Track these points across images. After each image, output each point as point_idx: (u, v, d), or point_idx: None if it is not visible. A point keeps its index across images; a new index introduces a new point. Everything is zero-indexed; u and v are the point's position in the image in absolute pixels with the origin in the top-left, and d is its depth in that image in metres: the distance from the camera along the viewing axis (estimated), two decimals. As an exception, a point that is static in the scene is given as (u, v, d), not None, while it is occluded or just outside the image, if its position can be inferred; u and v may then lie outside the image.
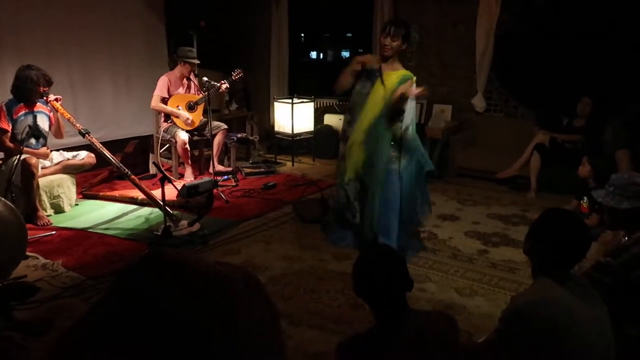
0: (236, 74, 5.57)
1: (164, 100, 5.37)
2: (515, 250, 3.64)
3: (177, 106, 5.38)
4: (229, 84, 5.49)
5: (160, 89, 5.33)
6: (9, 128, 4.11)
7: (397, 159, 3.56)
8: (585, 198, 4.16)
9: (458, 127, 6.02)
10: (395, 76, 3.52)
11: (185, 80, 5.48)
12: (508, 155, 5.29)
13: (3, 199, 3.14)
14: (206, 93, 5.06)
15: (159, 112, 5.47)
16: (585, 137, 4.97)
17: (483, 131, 5.93)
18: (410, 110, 3.59)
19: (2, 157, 4.25)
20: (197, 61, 5.46)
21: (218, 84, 5.30)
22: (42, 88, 4.21)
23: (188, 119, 5.34)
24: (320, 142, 6.59)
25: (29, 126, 4.07)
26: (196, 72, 5.72)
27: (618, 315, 1.81)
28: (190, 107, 5.42)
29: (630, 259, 1.98)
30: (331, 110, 6.95)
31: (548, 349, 1.61)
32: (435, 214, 4.48)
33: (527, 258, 1.89)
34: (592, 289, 1.74)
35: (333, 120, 6.77)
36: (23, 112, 4.20)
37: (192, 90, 5.53)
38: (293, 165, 6.29)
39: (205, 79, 5.12)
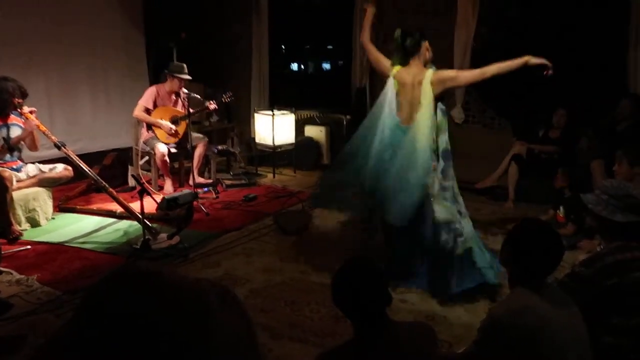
0: (227, 96, 5.54)
1: (148, 112, 5.32)
2: (494, 260, 3.67)
3: (161, 118, 5.34)
4: (217, 105, 5.46)
5: (146, 99, 5.29)
6: None
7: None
8: (561, 208, 4.24)
9: (437, 138, 6.09)
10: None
11: (174, 96, 5.43)
12: (486, 166, 5.37)
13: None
14: (185, 102, 5.01)
15: (140, 121, 5.42)
16: (560, 148, 5.07)
17: (461, 142, 5.95)
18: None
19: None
20: (187, 77, 5.34)
21: (206, 104, 5.28)
22: (16, 100, 4.16)
23: (171, 128, 5.29)
24: (301, 153, 6.60)
25: (4, 139, 4.00)
26: (188, 93, 5.64)
27: (594, 324, 1.84)
28: (174, 122, 5.36)
29: (604, 267, 2.01)
30: (312, 121, 6.97)
31: (525, 358, 1.62)
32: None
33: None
34: (567, 297, 1.77)
35: (314, 131, 6.80)
36: (-4, 124, 4.14)
37: (179, 107, 5.46)
38: (274, 177, 6.29)
39: (184, 90, 5.10)
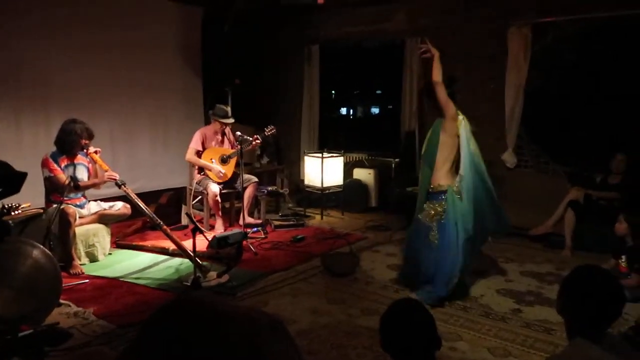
0: (269, 130, 5.72)
1: (199, 153, 5.55)
2: (551, 310, 3.51)
3: (211, 159, 5.55)
4: (261, 139, 5.64)
5: (196, 142, 5.53)
6: (63, 173, 4.32)
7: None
8: (623, 257, 4.03)
9: (488, 183, 5.98)
10: None
11: (219, 135, 5.67)
12: (540, 212, 5.21)
13: (42, 246, 3.25)
14: (239, 147, 5.20)
15: (192, 164, 5.64)
16: (620, 194, 4.86)
17: (514, 187, 5.86)
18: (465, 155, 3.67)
19: (44, 206, 4.42)
20: (229, 121, 5.63)
21: (251, 139, 5.45)
22: (84, 141, 4.43)
23: (220, 172, 5.49)
24: (349, 195, 6.62)
25: (71, 177, 4.24)
26: (230, 127, 5.92)
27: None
28: (223, 160, 5.58)
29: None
30: (360, 164, 7.03)
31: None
32: (466, 270, 4.40)
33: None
34: (632, 350, 1.67)
35: (362, 174, 6.83)
36: (65, 163, 4.41)
37: (226, 145, 5.70)
38: (322, 218, 6.32)
39: (238, 133, 5.28)
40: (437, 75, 3.62)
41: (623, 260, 4.02)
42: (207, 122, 6.19)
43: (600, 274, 1.71)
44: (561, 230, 4.95)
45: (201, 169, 5.60)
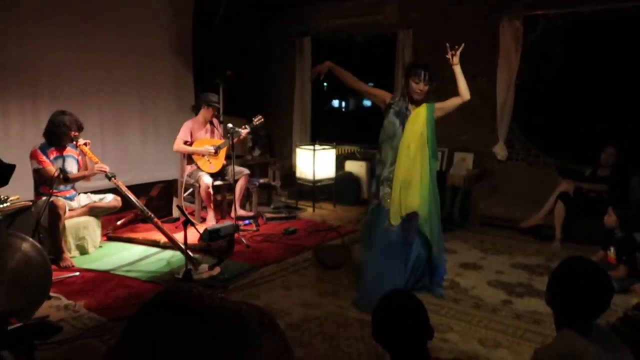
0: (257, 120, 5.70)
1: (187, 145, 5.50)
2: (540, 301, 3.54)
3: (200, 150, 5.52)
4: (250, 129, 5.61)
5: (184, 133, 5.48)
6: (52, 165, 4.27)
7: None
8: (612, 248, 4.07)
9: (480, 175, 6.01)
10: (423, 109, 3.63)
11: (208, 126, 5.63)
12: (531, 204, 5.24)
13: (31, 239, 3.21)
14: (230, 137, 5.16)
15: (182, 154, 5.59)
16: (610, 187, 4.90)
17: (505, 179, 5.90)
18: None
19: (33, 199, 4.37)
20: (218, 105, 5.63)
21: (240, 130, 5.42)
22: (73, 133, 4.38)
23: (210, 150, 5.43)
24: (340, 188, 6.62)
25: (60, 169, 4.20)
26: (221, 119, 5.88)
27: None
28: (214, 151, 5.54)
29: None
30: (352, 157, 7.03)
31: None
32: (458, 262, 4.42)
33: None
34: (619, 342, 1.69)
35: (354, 167, 6.84)
36: (54, 155, 4.36)
37: (216, 136, 5.67)
38: (314, 211, 6.32)
39: (230, 125, 5.25)
40: (466, 93, 3.57)
41: (611, 252, 4.07)
42: (197, 112, 6.16)
43: (588, 265, 1.73)
44: (551, 222, 4.99)
45: (191, 160, 5.56)
